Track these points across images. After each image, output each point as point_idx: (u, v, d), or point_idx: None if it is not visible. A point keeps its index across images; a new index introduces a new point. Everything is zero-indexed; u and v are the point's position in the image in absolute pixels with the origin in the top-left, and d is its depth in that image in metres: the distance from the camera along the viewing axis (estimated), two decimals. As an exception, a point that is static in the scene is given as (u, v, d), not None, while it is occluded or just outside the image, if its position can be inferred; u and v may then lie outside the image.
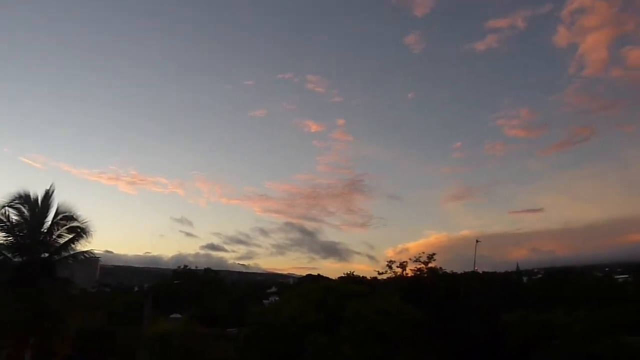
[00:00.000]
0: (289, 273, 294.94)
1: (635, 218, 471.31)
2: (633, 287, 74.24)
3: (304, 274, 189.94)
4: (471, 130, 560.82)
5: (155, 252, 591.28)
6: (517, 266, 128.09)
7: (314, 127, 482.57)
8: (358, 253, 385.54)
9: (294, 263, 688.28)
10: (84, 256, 29.26)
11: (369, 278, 76.97)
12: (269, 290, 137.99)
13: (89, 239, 28.81)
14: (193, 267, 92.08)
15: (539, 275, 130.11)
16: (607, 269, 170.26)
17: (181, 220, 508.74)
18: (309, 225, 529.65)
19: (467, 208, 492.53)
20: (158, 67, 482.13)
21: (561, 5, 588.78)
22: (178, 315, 46.82)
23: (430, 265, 60.16)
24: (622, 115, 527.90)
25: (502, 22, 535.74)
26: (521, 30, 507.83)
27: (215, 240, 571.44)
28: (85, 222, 28.88)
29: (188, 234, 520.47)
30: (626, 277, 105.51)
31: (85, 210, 29.36)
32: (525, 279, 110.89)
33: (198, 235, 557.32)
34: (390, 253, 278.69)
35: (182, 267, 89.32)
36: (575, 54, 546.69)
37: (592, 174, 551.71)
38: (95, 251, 32.46)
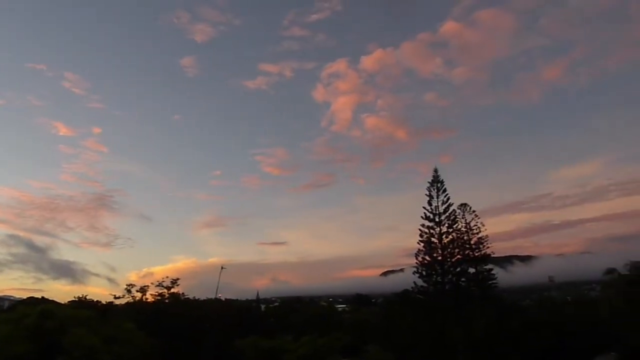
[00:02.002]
0: (5, 295, 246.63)
1: (357, 256, 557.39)
2: (349, 316, 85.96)
3: (26, 297, 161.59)
4: (231, 161, 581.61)
5: None
6: (257, 294, 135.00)
7: (63, 130, 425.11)
8: (97, 275, 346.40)
9: (14, 283, 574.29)
10: None
11: (105, 302, 70.31)
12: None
13: None
14: None
15: (276, 303, 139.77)
16: (330, 299, 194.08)
17: None
18: (40, 240, 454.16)
19: (218, 236, 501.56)
20: None
21: (322, 65, 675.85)
22: None
23: (172, 290, 58.32)
24: (356, 169, 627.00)
25: (273, 68, 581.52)
26: (287, 79, 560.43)
27: None
28: None
29: None
30: (344, 307, 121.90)
31: None
32: (263, 306, 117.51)
33: None
34: (134, 276, 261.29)
35: None
36: (328, 110, 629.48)
37: (329, 216, 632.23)
38: None
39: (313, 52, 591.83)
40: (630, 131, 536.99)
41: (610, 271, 54.80)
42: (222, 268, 62.59)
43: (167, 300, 57.60)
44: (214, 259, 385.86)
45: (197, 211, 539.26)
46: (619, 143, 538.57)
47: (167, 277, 59.56)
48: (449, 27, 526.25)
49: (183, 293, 60.48)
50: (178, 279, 59.61)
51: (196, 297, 72.50)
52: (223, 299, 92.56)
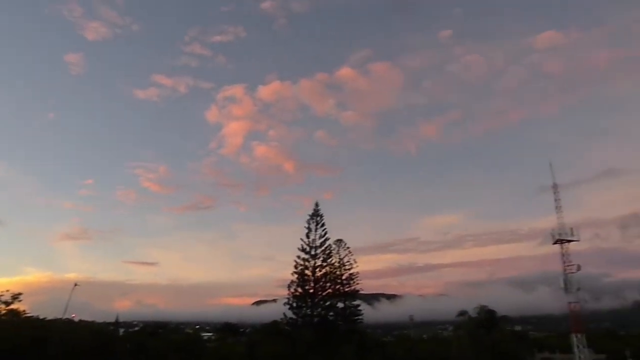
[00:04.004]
0: None
1: (231, 283, 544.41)
2: (214, 345, 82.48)
3: None
4: (107, 171, 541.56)
5: None
6: (117, 317, 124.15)
7: None
8: None
9: None
10: None
11: None
12: None
13: None
14: None
15: (137, 328, 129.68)
16: (197, 327, 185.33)
17: None
18: None
19: (81, 250, 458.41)
20: None
21: (219, 87, 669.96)
22: None
23: (12, 306, 51.26)
24: (240, 196, 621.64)
25: (167, 81, 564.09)
26: (181, 94, 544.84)
27: None
28: None
29: None
30: (211, 335, 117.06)
31: None
32: (122, 330, 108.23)
33: None
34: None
35: None
36: (219, 133, 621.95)
37: (206, 240, 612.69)
38: None
39: (211, 73, 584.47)
40: (485, 190, 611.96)
41: (462, 313, 59.78)
42: (75, 285, 56.57)
43: (3, 317, 50.33)
44: (73, 275, 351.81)
45: (59, 220, 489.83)
46: (476, 199, 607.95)
47: (8, 290, 52.37)
48: (345, 72, 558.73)
49: (24, 310, 53.50)
50: (20, 293, 52.66)
51: (44, 317, 65.11)
52: (77, 319, 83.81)
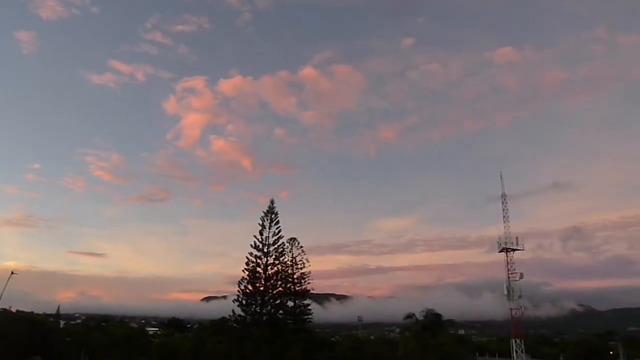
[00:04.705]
0: None
1: (180, 278, 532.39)
2: (160, 340, 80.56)
3: None
4: (56, 156, 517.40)
5: None
6: (58, 308, 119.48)
7: None
8: None
9: None
10: None
11: None
12: None
13: None
14: None
15: (79, 320, 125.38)
16: (143, 321, 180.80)
17: None
18: None
19: (22, 237, 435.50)
20: None
21: (179, 78, 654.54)
22: None
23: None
24: (194, 189, 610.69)
25: (125, 68, 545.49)
26: (139, 82, 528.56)
27: None
28: None
29: None
30: (157, 330, 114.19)
31: None
32: (63, 322, 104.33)
33: None
34: None
35: None
36: (177, 124, 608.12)
37: (157, 232, 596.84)
38: None
39: (172, 63, 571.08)
40: (438, 196, 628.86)
41: (410, 316, 61.06)
42: (12, 273, 53.88)
43: None
44: (11, 263, 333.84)
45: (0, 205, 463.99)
46: (429, 204, 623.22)
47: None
48: (307, 71, 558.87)
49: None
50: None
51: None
52: (14, 310, 79.88)
